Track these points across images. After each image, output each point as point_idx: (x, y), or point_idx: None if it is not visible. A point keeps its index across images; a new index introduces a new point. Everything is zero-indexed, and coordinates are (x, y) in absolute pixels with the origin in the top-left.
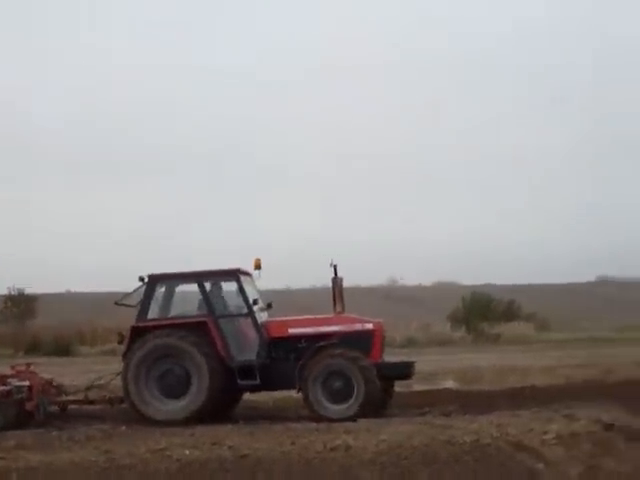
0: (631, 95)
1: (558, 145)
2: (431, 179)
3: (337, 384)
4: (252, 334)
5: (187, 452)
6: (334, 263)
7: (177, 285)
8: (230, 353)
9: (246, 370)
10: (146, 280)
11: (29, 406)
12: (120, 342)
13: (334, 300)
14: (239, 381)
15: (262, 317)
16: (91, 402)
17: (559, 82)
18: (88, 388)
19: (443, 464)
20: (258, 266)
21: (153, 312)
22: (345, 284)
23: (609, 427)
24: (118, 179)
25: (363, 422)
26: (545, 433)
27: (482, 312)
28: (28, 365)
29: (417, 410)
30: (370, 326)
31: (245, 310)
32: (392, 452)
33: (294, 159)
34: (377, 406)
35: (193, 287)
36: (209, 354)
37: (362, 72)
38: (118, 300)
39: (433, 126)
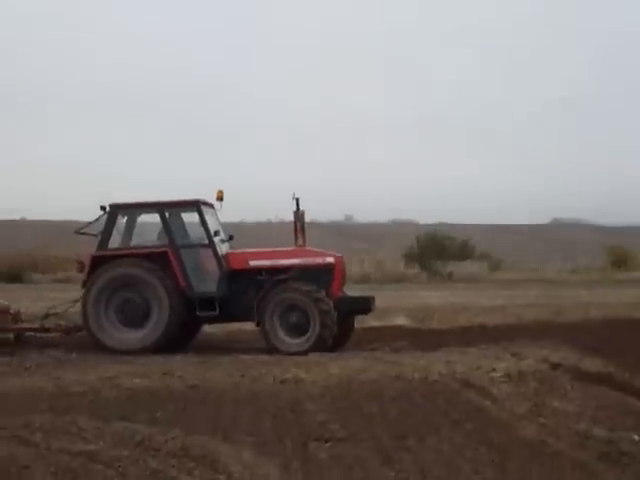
0: None
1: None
2: (391, 121)
3: (294, 318)
4: (212, 265)
5: (137, 381)
6: (296, 196)
7: (138, 215)
8: (190, 284)
9: (206, 301)
10: (107, 209)
11: None
12: (80, 270)
13: (295, 233)
14: (198, 312)
15: (223, 249)
16: (47, 330)
17: None
18: (45, 316)
19: (391, 399)
20: (220, 197)
21: (114, 241)
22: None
23: (556, 366)
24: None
25: (314, 356)
26: (493, 371)
27: (436, 251)
28: None
29: (368, 346)
30: (330, 259)
31: (206, 241)
32: (341, 386)
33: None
34: (333, 340)
35: (155, 217)
36: (169, 285)
37: None
38: (78, 229)
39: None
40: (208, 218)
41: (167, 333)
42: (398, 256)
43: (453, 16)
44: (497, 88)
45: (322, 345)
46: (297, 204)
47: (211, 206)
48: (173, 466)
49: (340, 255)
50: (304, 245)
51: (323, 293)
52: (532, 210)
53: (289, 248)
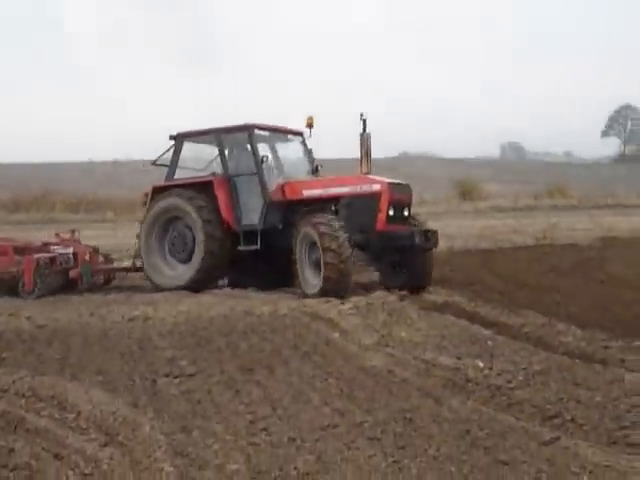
0: None
1: None
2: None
3: (313, 255)
4: (259, 196)
5: None
6: (364, 117)
7: (201, 143)
8: (235, 216)
9: (249, 235)
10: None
11: (72, 274)
12: (144, 204)
13: (361, 159)
14: (239, 246)
15: (278, 179)
16: (139, 269)
17: None
18: (136, 255)
19: (241, 334)
20: (310, 124)
21: (182, 172)
22: (150, 157)
23: (403, 297)
24: None
25: (164, 294)
26: (342, 304)
27: None
28: (73, 232)
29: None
30: (377, 187)
31: (253, 169)
32: (190, 322)
33: None
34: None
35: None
36: (205, 216)
37: None
38: (154, 160)
39: None
40: (289, 146)
41: (202, 269)
42: None
43: None
44: None
45: (330, 288)
46: (364, 125)
47: (298, 133)
48: (21, 407)
49: (391, 182)
50: (369, 172)
51: (335, 226)
52: (384, 144)
53: (345, 176)
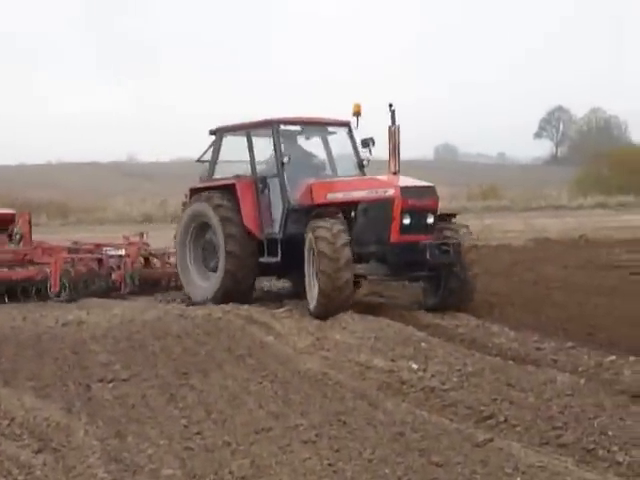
0: None
1: None
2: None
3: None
4: (280, 201)
5: None
6: (393, 108)
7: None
8: (258, 224)
9: (271, 245)
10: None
11: (115, 276)
12: (184, 205)
13: (389, 156)
14: (261, 258)
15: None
16: None
17: None
18: None
19: (175, 337)
20: (358, 112)
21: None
22: (84, 159)
23: None
24: None
25: (98, 300)
26: (277, 308)
27: None
28: (141, 235)
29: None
30: (391, 192)
31: (274, 171)
32: (124, 326)
33: None
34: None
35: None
36: (227, 224)
37: None
38: (199, 157)
39: None
40: (328, 140)
41: (226, 284)
42: (180, 195)
43: None
44: None
45: (326, 303)
46: (393, 116)
47: (345, 124)
48: None
49: (406, 185)
50: (397, 171)
51: (335, 230)
52: None
53: (368, 177)
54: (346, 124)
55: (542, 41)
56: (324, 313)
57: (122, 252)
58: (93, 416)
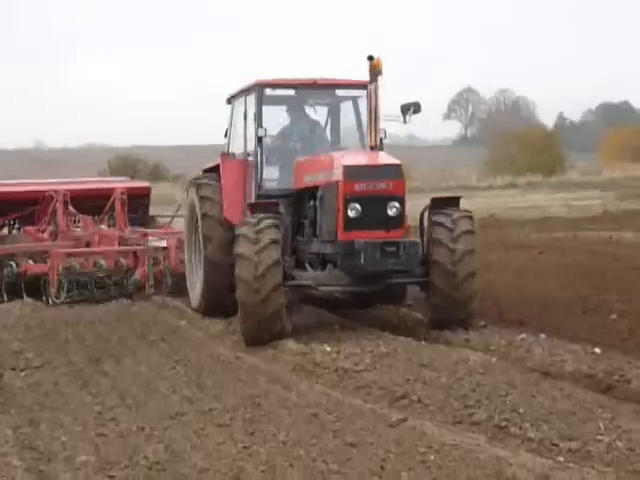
0: None
1: None
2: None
3: None
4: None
5: None
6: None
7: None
8: (238, 211)
9: None
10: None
11: (138, 273)
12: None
13: (369, 123)
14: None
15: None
16: None
17: None
18: None
19: (87, 324)
20: (377, 69)
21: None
22: None
23: None
24: None
25: None
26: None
27: (128, 174)
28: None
29: None
30: (338, 174)
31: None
32: (36, 314)
33: None
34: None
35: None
36: (208, 222)
37: None
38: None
39: None
40: (339, 107)
41: (207, 292)
42: None
43: None
44: None
45: (248, 323)
46: (372, 72)
47: (359, 86)
48: None
49: (354, 164)
50: (376, 146)
51: (261, 226)
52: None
53: (333, 153)
54: (363, 86)
55: (451, 24)
56: (250, 339)
57: (163, 244)
58: (5, 404)
